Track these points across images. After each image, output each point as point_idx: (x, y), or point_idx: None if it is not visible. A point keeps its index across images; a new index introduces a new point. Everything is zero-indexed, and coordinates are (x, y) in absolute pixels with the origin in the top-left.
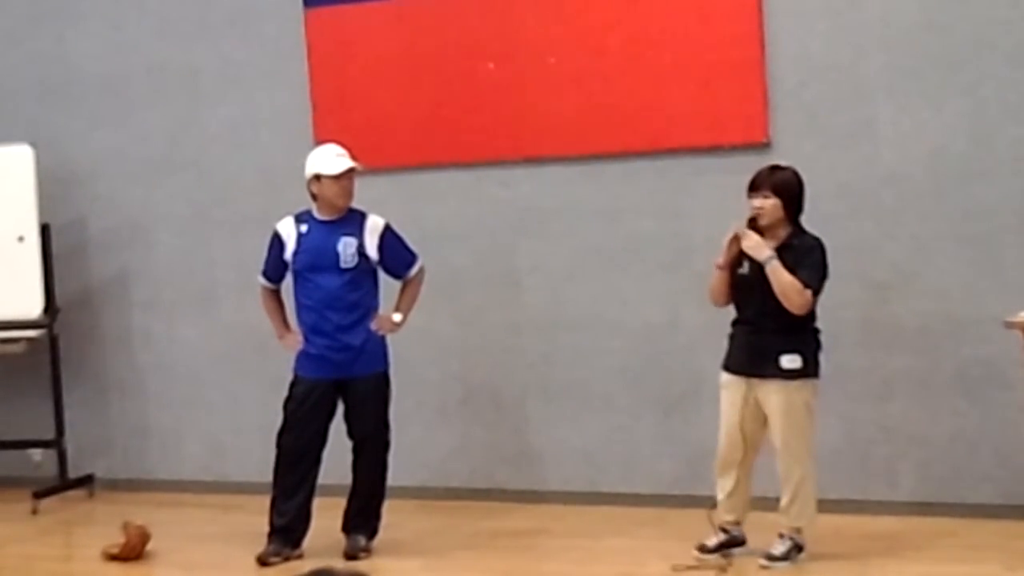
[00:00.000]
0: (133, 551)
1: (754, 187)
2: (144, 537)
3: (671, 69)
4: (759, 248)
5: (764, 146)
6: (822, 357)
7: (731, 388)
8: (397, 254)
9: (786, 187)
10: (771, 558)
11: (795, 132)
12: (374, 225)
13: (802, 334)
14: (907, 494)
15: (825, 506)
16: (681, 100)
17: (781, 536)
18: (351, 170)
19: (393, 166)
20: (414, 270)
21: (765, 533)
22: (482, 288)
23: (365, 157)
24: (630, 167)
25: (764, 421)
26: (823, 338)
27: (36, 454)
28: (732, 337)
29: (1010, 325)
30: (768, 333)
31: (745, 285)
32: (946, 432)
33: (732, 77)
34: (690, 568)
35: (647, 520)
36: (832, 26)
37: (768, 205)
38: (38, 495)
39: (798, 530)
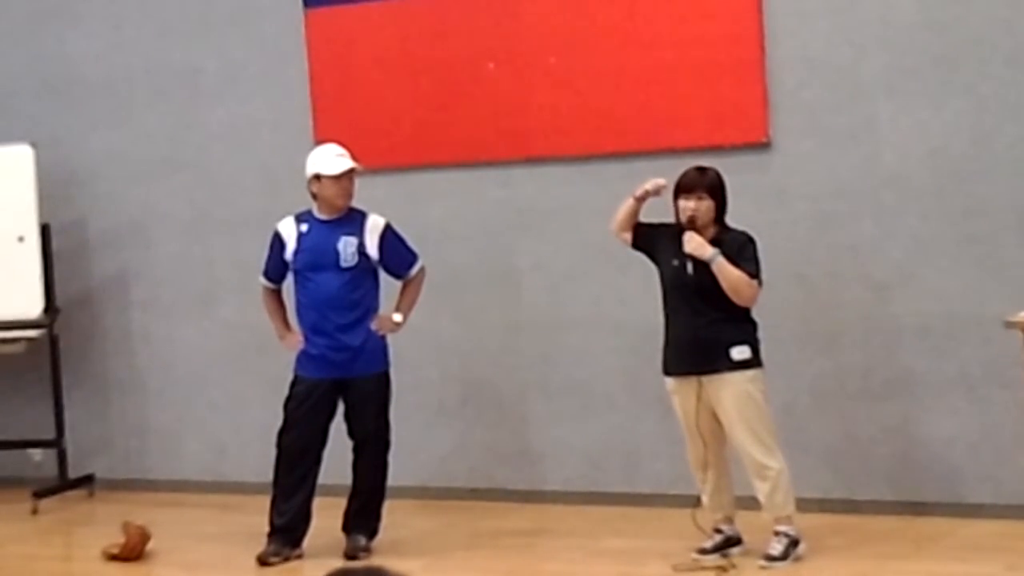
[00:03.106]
0: (133, 551)
1: (686, 190)
2: (144, 537)
3: (671, 69)
4: (703, 247)
5: (764, 146)
6: (822, 357)
7: (682, 390)
8: (397, 253)
9: (717, 188)
10: (770, 558)
11: (795, 132)
12: (374, 224)
13: (745, 325)
14: (907, 494)
15: (825, 506)
16: (681, 100)
17: (776, 534)
18: (351, 170)
19: (393, 166)
20: (414, 270)
21: (762, 533)
22: (482, 288)
23: (365, 157)
24: (630, 167)
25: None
26: (823, 338)
27: (36, 454)
28: (671, 339)
29: (1010, 325)
30: (714, 328)
31: (686, 285)
32: (946, 432)
33: (732, 77)
34: (691, 570)
35: (647, 520)
36: (832, 26)
37: (703, 207)
38: (38, 495)
39: (788, 519)
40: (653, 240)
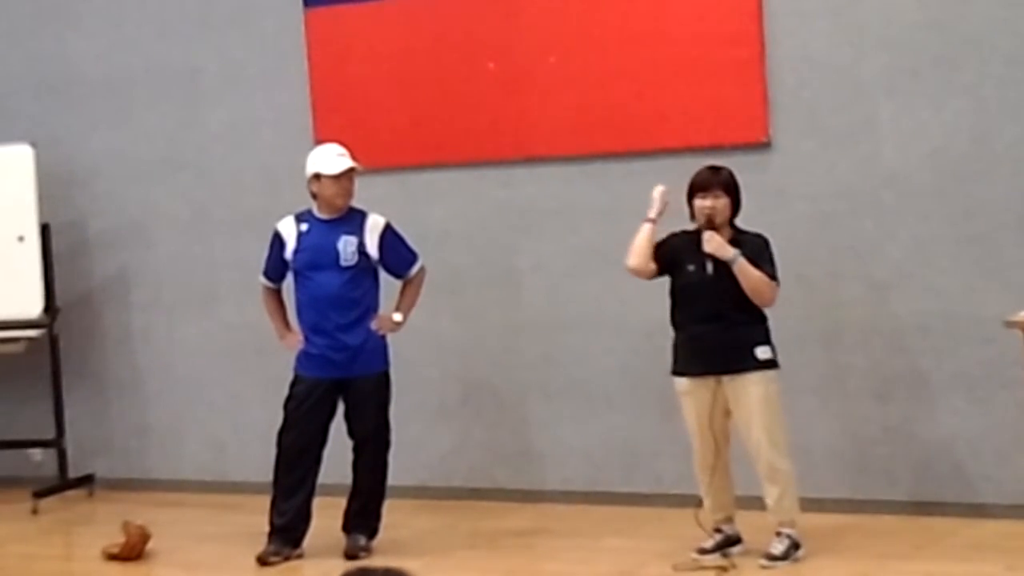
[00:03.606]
0: (133, 551)
1: (703, 188)
2: (144, 537)
3: (671, 69)
4: (723, 247)
5: (764, 146)
6: (821, 356)
7: (698, 392)
8: (397, 253)
9: (732, 186)
10: (771, 558)
11: (795, 132)
12: (375, 224)
13: (764, 325)
14: (907, 494)
15: (825, 506)
16: (681, 100)
17: (779, 535)
18: (351, 170)
19: (393, 166)
20: (414, 269)
21: (762, 533)
22: (482, 288)
23: (365, 157)
24: (630, 167)
25: (728, 416)
26: (822, 337)
27: (36, 454)
28: (688, 339)
29: (1010, 325)
30: (739, 328)
31: (706, 285)
32: (946, 432)
33: (732, 77)
34: (691, 570)
35: (647, 520)
36: (832, 26)
37: (720, 204)
38: (38, 495)
39: (792, 523)
40: (671, 256)
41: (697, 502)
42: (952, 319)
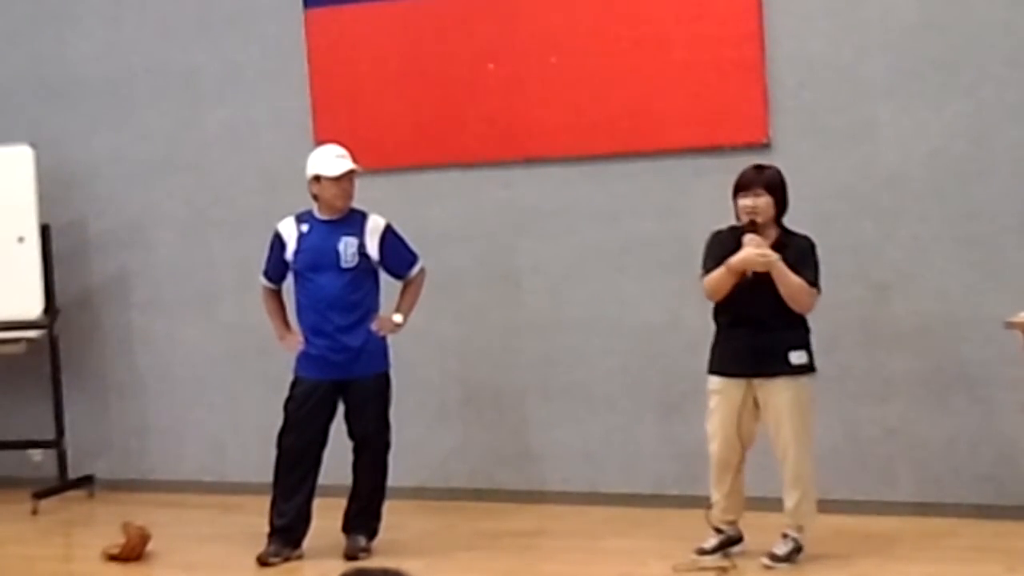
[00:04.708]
0: (133, 551)
1: (745, 187)
2: (144, 537)
3: (671, 69)
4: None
5: (764, 146)
6: (822, 357)
7: (729, 392)
8: (398, 254)
9: (776, 185)
10: (774, 558)
11: (795, 132)
12: (375, 225)
13: (802, 330)
14: (907, 494)
15: (825, 506)
16: (681, 100)
17: (785, 536)
18: (351, 171)
19: (393, 166)
20: (415, 270)
21: (762, 532)
22: (482, 288)
23: (365, 158)
24: (630, 167)
25: (757, 420)
26: (823, 338)
27: (36, 454)
28: (725, 340)
29: (1010, 325)
30: (775, 331)
31: (744, 288)
32: (946, 432)
33: (732, 77)
34: (691, 570)
35: (647, 520)
36: (832, 26)
37: (762, 203)
38: (38, 495)
39: (802, 528)
40: (723, 257)
41: (706, 503)
42: (952, 319)
